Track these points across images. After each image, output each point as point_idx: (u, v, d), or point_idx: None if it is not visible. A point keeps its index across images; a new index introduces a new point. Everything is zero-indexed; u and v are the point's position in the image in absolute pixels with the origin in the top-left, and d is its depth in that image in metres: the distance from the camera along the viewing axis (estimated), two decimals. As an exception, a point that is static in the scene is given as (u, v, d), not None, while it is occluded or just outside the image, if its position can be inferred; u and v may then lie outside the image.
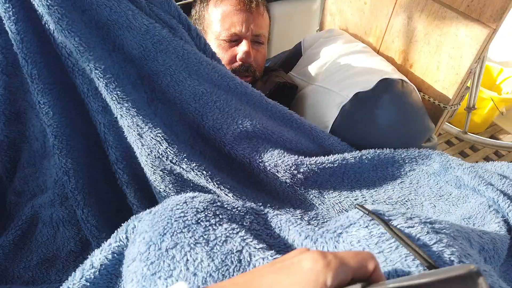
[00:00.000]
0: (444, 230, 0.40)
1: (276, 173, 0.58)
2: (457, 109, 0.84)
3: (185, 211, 0.40)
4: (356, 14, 0.91)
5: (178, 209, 0.40)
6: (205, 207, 0.41)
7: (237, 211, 0.44)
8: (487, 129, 1.68)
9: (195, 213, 0.40)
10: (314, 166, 0.60)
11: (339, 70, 0.77)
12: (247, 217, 0.44)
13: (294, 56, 0.91)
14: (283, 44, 1.15)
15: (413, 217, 0.40)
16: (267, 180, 0.59)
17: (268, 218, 0.45)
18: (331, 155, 0.63)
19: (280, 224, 0.44)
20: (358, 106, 0.69)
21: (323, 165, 0.60)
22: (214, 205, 0.42)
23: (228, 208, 0.43)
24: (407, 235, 0.38)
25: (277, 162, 0.58)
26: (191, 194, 0.44)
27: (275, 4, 1.21)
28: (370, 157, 0.64)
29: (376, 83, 0.69)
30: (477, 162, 1.48)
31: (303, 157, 0.61)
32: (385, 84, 0.69)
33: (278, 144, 0.61)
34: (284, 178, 0.58)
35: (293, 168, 0.58)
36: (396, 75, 0.74)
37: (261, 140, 0.60)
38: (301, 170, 0.59)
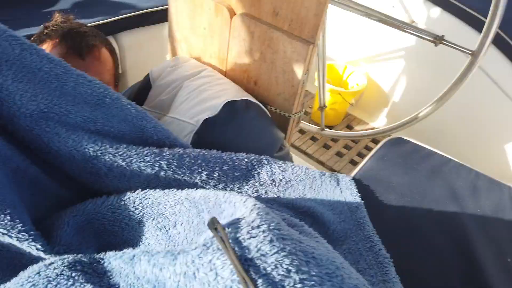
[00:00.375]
0: (292, 236, 0.40)
1: (71, 163, 0.50)
2: (302, 115, 0.93)
3: (36, 283, 0.37)
4: (199, 39, 0.94)
5: (29, 282, 0.37)
6: (59, 273, 0.39)
7: (96, 274, 0.41)
8: (344, 119, 1.90)
9: (46, 284, 0.37)
10: (119, 158, 0.52)
11: (187, 98, 0.78)
12: (107, 275, 0.42)
13: (145, 88, 0.90)
14: (140, 73, 1.13)
15: (261, 224, 0.39)
16: (62, 167, 0.52)
17: (128, 258, 0.43)
18: (147, 147, 0.56)
19: (140, 259, 0.42)
20: (208, 132, 0.71)
21: (130, 158, 0.53)
22: (73, 269, 0.40)
23: (88, 271, 0.41)
24: (245, 247, 0.37)
25: (72, 151, 0.50)
26: (52, 259, 0.40)
27: (122, 34, 1.19)
28: (193, 156, 0.58)
29: (221, 107, 0.73)
30: (339, 151, 1.67)
31: (108, 145, 0.52)
32: (229, 107, 0.73)
33: (77, 126, 0.52)
34: (83, 167, 0.51)
35: (93, 158, 0.51)
36: (240, 95, 0.79)
37: (53, 123, 0.50)
38: (103, 160, 0.51)
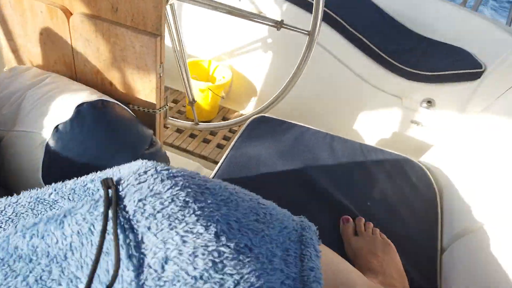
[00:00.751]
0: (182, 172, 0.41)
1: None
2: (167, 109, 0.93)
3: None
4: (38, 46, 0.87)
5: None
6: None
7: None
8: (219, 112, 1.96)
9: None
10: None
11: (34, 107, 0.72)
12: None
13: (-20, 106, 0.79)
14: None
15: (148, 170, 0.40)
16: None
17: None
18: None
19: (9, 238, 0.38)
20: (62, 140, 0.67)
21: None
22: None
23: None
24: (137, 191, 0.37)
25: None
26: None
27: None
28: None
29: (74, 111, 0.69)
30: (219, 143, 1.72)
31: None
32: (83, 109, 0.70)
33: None
34: None
35: None
36: (95, 96, 0.75)
37: None
38: None
